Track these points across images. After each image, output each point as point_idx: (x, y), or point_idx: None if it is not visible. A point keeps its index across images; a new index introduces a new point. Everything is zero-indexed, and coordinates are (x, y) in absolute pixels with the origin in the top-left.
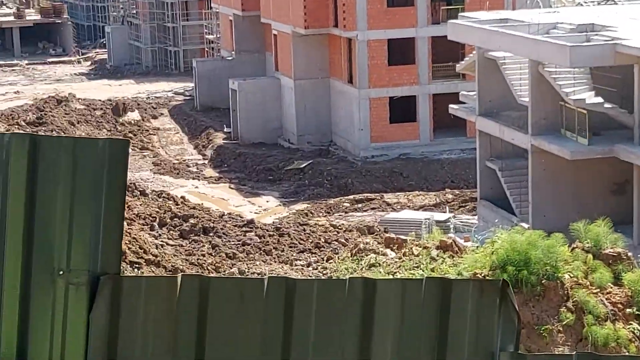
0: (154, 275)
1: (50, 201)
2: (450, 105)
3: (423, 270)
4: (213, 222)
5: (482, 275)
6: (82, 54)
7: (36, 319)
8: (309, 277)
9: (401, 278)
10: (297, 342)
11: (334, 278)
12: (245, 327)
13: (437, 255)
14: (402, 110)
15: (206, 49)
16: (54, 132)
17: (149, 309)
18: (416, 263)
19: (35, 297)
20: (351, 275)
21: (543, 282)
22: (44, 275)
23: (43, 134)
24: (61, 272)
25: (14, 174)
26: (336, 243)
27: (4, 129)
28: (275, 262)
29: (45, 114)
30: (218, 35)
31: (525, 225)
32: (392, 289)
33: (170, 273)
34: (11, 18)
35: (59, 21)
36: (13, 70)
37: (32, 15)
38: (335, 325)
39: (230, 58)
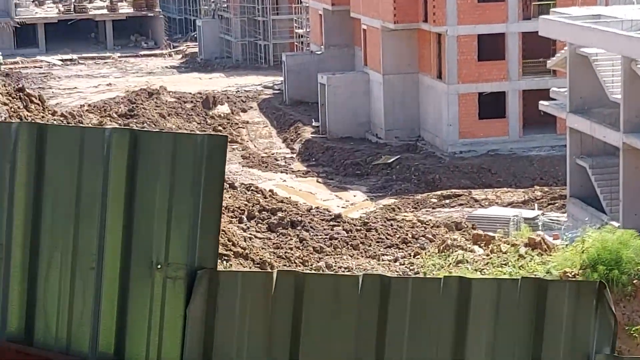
0: (250, 270)
1: (149, 196)
2: (541, 102)
3: (511, 268)
4: (301, 216)
5: (572, 274)
6: (174, 47)
7: (134, 311)
8: (403, 275)
9: (496, 278)
10: (391, 340)
11: (428, 276)
12: (339, 324)
13: (526, 253)
14: (491, 106)
15: (295, 43)
16: (144, 124)
17: (244, 303)
18: (504, 260)
19: (134, 289)
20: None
21: (634, 282)
22: (142, 268)
23: (135, 126)
24: (159, 266)
25: (115, 168)
26: (423, 239)
27: (96, 120)
28: (362, 256)
29: (137, 107)
30: (308, 30)
31: (616, 224)
32: (487, 289)
33: (258, 266)
34: (104, 11)
35: (151, 14)
36: (106, 62)
37: (125, 9)
38: (430, 323)
39: (319, 52)
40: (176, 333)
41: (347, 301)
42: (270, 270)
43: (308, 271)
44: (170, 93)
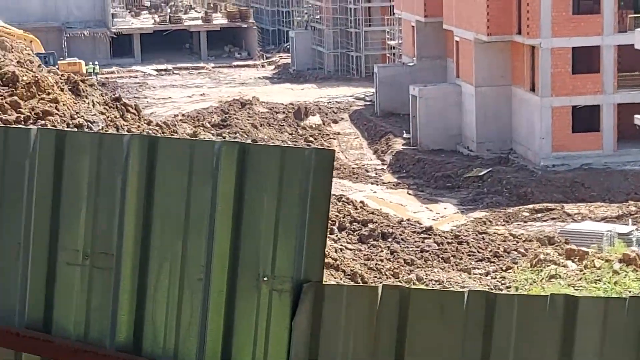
0: (355, 284)
1: (256, 208)
2: (636, 116)
3: (605, 284)
4: (392, 228)
5: None
6: (266, 58)
7: (240, 322)
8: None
9: (604, 297)
10: (496, 358)
11: (522, 292)
12: (444, 340)
13: (620, 269)
14: (585, 119)
15: (387, 55)
16: (237, 134)
17: (349, 317)
18: (598, 276)
19: (240, 301)
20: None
21: None
22: (249, 280)
23: (227, 136)
24: (266, 278)
25: (224, 181)
26: (515, 253)
27: (190, 130)
28: (453, 270)
29: (230, 117)
30: (400, 41)
31: None
32: (594, 308)
33: (349, 277)
34: (199, 22)
35: (245, 25)
36: (200, 73)
37: (219, 20)
38: (535, 342)
39: (411, 64)
40: (282, 345)
41: (452, 317)
42: (375, 285)
43: (413, 286)
44: (263, 104)
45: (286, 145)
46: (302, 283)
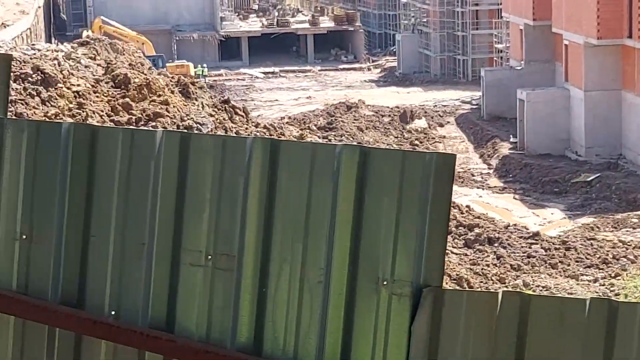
0: (474, 290)
1: (377, 212)
2: None
3: None
4: (498, 233)
5: None
6: (373, 61)
7: (359, 326)
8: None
9: None
10: None
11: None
12: (564, 348)
13: None
14: None
15: (495, 58)
16: (343, 137)
17: (468, 323)
18: None
19: (360, 305)
20: None
21: None
22: (368, 284)
23: (333, 139)
24: (385, 282)
25: (344, 184)
26: (624, 260)
27: (296, 132)
28: (560, 276)
29: (335, 119)
30: (507, 45)
31: None
32: None
33: (455, 282)
34: (306, 25)
35: (352, 29)
36: (306, 76)
37: (326, 23)
38: None
39: (519, 68)
40: (400, 349)
41: (573, 325)
42: (495, 291)
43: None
44: (369, 106)
45: (407, 149)
46: (421, 288)
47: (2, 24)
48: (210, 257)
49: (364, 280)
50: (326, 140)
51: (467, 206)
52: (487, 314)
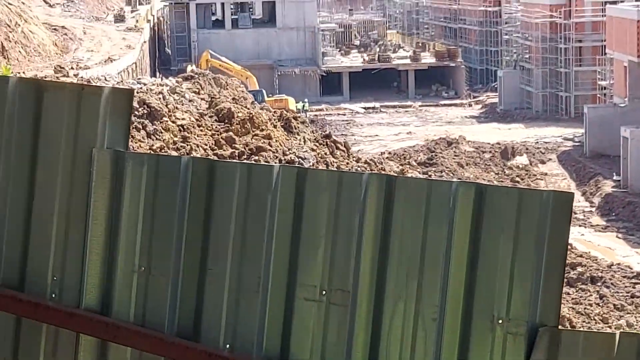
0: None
1: (492, 250)
2: None
3: None
4: (601, 272)
5: None
6: (474, 97)
7: None
8: None
9: None
10: None
11: None
12: None
13: None
14: None
15: (598, 95)
16: (443, 173)
17: None
18: None
19: (474, 342)
20: None
21: None
22: (483, 322)
23: (433, 175)
24: (500, 321)
25: (460, 221)
26: None
27: (396, 168)
28: None
29: (436, 155)
30: (611, 82)
31: None
32: None
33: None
34: (407, 61)
35: (453, 64)
36: (406, 111)
37: (427, 59)
38: None
39: (622, 105)
40: None
41: None
42: (612, 332)
43: None
44: (469, 143)
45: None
46: (537, 327)
47: (109, 58)
48: (324, 292)
49: (478, 319)
50: (426, 176)
51: (570, 244)
52: (605, 355)
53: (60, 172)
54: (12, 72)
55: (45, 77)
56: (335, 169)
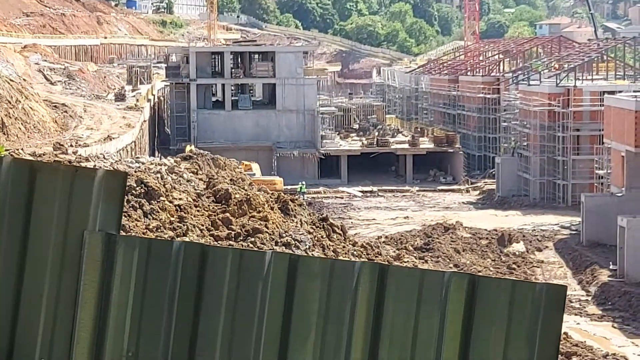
0: None
1: (484, 340)
2: None
3: None
4: None
5: None
6: (471, 183)
7: None
8: None
9: None
10: None
11: None
12: None
13: None
14: None
15: (595, 184)
16: (439, 258)
17: None
18: None
19: None
20: None
21: None
22: None
23: (429, 260)
24: None
25: (452, 311)
26: None
27: (392, 252)
28: None
29: (432, 240)
30: (608, 171)
31: None
32: None
33: None
34: (406, 145)
35: (451, 150)
36: (404, 195)
37: (425, 144)
38: None
39: (619, 194)
40: None
41: None
42: None
43: None
44: (466, 229)
45: (517, 279)
46: None
47: (109, 136)
48: None
49: None
50: (422, 261)
51: (565, 333)
52: None
53: (50, 254)
54: (10, 149)
55: (44, 154)
56: (327, 257)
